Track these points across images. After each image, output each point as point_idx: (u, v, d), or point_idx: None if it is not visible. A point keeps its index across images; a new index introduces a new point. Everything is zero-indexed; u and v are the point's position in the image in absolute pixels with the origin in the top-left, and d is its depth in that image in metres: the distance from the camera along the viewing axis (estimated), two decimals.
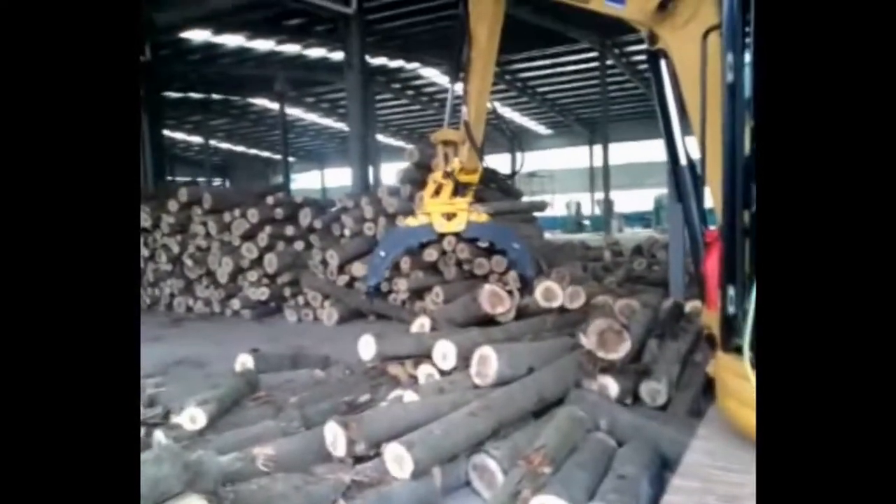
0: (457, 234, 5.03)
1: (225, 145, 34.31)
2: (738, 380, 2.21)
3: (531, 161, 34.47)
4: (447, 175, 4.86)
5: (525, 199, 10.50)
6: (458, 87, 4.90)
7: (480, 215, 5.07)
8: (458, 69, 4.91)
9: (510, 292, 4.92)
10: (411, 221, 4.97)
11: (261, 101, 25.30)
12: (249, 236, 8.74)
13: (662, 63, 3.44)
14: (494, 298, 4.77)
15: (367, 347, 4.07)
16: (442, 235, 5.00)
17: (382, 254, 4.84)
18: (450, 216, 4.87)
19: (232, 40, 17.10)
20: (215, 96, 23.41)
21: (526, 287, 4.98)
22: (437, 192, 4.93)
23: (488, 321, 4.77)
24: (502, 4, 4.61)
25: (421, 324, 4.65)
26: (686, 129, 3.39)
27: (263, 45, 17.68)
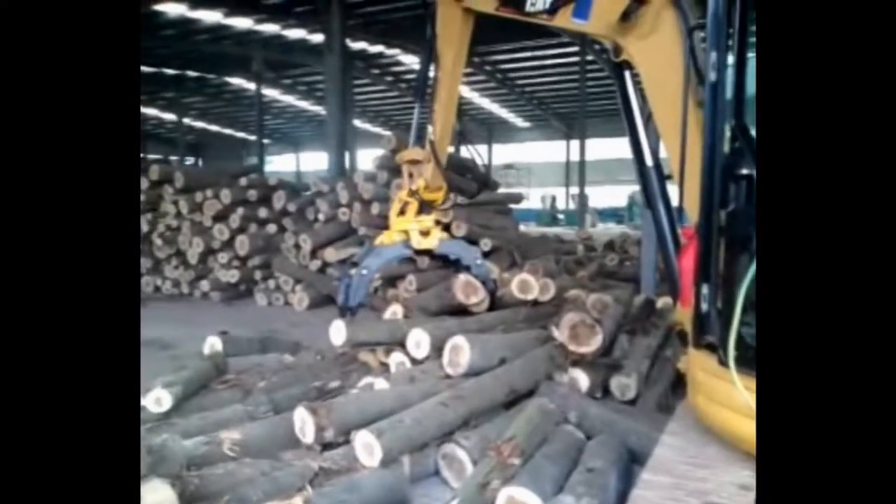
0: (429, 251, 5.10)
1: (199, 124, 33.65)
2: (708, 376, 2.23)
3: (508, 153, 34.65)
4: (412, 194, 4.93)
5: (501, 190, 10.51)
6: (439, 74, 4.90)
7: (443, 233, 5.19)
8: (424, 89, 4.95)
9: (484, 282, 4.94)
10: (385, 239, 5.00)
11: (237, 81, 24.83)
12: (221, 217, 8.59)
13: (627, 74, 3.56)
14: (469, 288, 4.77)
15: (338, 333, 4.04)
16: (418, 252, 5.07)
17: (364, 272, 4.85)
18: (424, 233, 4.94)
19: (209, 16, 16.73)
20: (190, 73, 22.91)
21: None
22: (402, 211, 5.00)
23: (461, 311, 4.77)
24: (470, 28, 4.64)
25: (394, 311, 4.62)
26: (651, 134, 3.49)
27: (241, 23, 17.33)
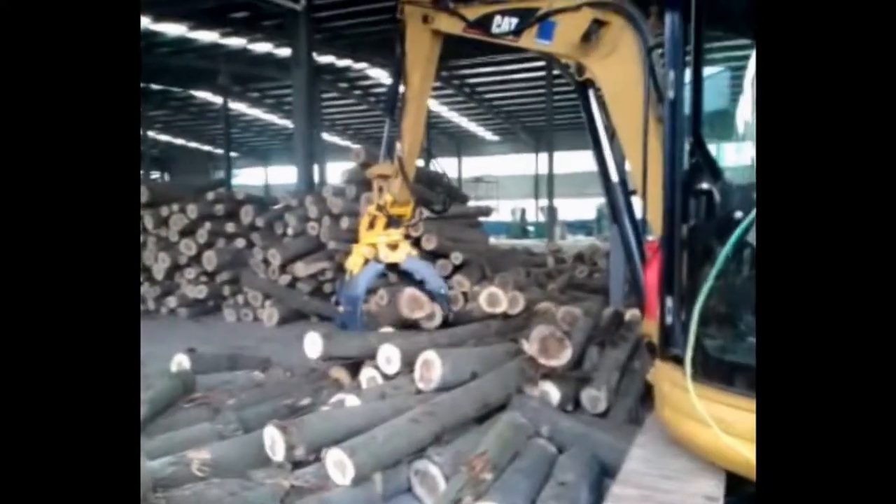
0: (396, 266, 5.11)
1: (164, 137, 33.10)
2: (675, 389, 2.27)
3: (478, 167, 34.87)
4: (380, 208, 4.98)
5: (471, 203, 10.58)
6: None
7: (412, 250, 5.20)
8: (394, 105, 5.03)
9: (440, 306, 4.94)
10: (356, 260, 4.99)
11: (203, 94, 24.56)
12: (188, 232, 8.47)
13: (590, 92, 3.71)
14: (413, 303, 4.76)
15: (313, 346, 3.99)
16: (388, 266, 5.08)
17: (350, 307, 4.83)
18: (392, 247, 4.96)
19: (173, 29, 16.53)
20: (154, 86, 22.55)
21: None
22: (371, 224, 5.04)
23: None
24: (438, 48, 4.73)
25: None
26: (616, 150, 3.61)
27: (206, 36, 17.15)
